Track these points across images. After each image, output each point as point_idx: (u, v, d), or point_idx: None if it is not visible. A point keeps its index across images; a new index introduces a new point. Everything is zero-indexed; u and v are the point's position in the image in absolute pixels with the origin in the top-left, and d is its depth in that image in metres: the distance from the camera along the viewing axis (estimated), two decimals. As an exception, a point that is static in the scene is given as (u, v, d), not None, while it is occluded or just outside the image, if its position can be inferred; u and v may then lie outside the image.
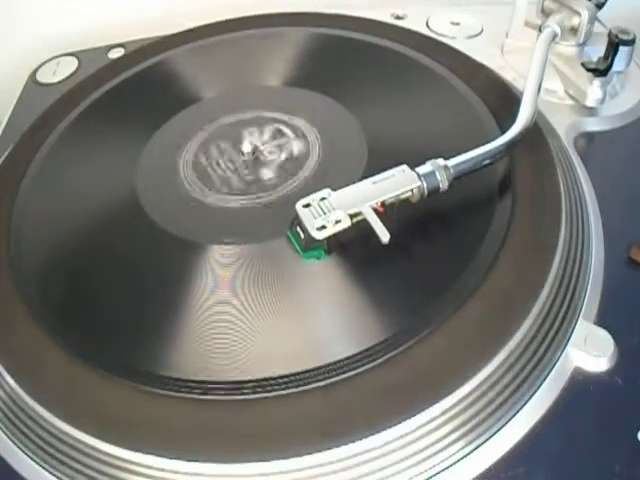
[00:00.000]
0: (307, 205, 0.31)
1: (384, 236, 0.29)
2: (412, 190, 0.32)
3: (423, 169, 0.32)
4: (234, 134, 0.41)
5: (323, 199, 0.31)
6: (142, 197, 0.38)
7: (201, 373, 0.29)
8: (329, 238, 0.30)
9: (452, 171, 0.32)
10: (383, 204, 0.31)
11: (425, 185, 0.32)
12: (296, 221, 0.32)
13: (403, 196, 0.32)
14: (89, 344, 0.31)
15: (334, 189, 0.32)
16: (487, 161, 0.33)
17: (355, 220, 0.31)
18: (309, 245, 0.31)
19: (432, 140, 0.38)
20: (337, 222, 0.30)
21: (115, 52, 0.54)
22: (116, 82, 0.47)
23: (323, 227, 0.30)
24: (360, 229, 0.30)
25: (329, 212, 0.31)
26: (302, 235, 0.31)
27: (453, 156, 0.33)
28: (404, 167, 0.32)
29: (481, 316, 0.29)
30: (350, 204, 0.31)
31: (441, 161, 0.32)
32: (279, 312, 0.31)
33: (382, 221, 0.30)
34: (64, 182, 0.41)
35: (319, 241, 0.30)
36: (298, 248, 0.32)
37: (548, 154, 0.36)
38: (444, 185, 0.32)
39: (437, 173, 0.32)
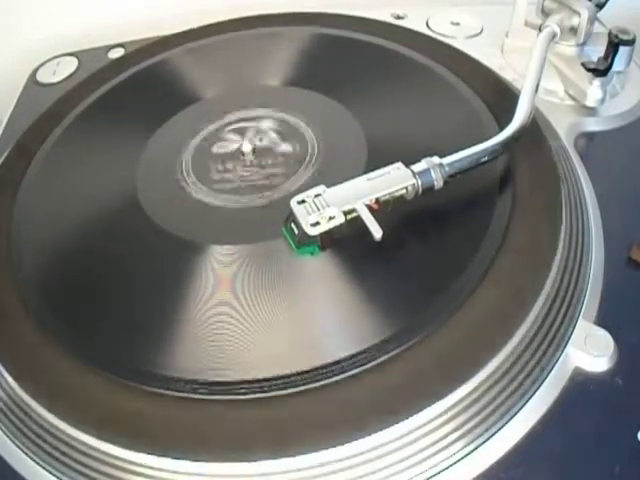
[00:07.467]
0: (302, 201, 0.31)
1: (377, 232, 0.29)
2: (407, 187, 0.32)
3: (418, 167, 0.32)
4: (234, 134, 0.41)
5: (318, 196, 0.31)
6: (142, 197, 0.38)
7: (201, 373, 0.29)
8: (323, 234, 0.30)
9: (447, 169, 0.32)
10: (377, 201, 0.31)
11: (420, 183, 0.32)
12: (290, 217, 0.32)
13: (397, 193, 0.32)
14: (89, 344, 0.31)
15: (330, 186, 0.32)
16: (483, 159, 0.33)
17: (349, 217, 0.31)
18: (303, 241, 0.31)
19: (432, 139, 0.38)
20: (331, 218, 0.30)
21: (115, 52, 0.54)
22: (116, 82, 0.47)
23: (317, 223, 0.30)
24: (360, 229, 0.30)
25: (323, 209, 0.31)
26: (296, 231, 0.31)
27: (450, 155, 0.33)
28: (399, 164, 0.32)
29: (481, 316, 0.29)
30: (344, 201, 0.31)
31: (436, 159, 0.32)
32: (278, 312, 0.31)
33: (376, 218, 0.30)
34: (64, 182, 0.41)
35: (312, 237, 0.30)
36: (292, 244, 0.32)
37: (548, 154, 0.36)
38: (439, 183, 0.32)
39: (432, 171, 0.32)
